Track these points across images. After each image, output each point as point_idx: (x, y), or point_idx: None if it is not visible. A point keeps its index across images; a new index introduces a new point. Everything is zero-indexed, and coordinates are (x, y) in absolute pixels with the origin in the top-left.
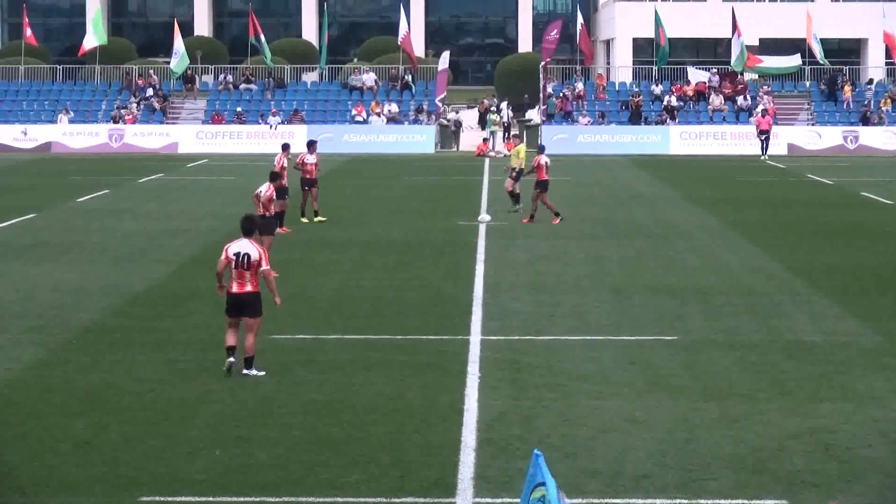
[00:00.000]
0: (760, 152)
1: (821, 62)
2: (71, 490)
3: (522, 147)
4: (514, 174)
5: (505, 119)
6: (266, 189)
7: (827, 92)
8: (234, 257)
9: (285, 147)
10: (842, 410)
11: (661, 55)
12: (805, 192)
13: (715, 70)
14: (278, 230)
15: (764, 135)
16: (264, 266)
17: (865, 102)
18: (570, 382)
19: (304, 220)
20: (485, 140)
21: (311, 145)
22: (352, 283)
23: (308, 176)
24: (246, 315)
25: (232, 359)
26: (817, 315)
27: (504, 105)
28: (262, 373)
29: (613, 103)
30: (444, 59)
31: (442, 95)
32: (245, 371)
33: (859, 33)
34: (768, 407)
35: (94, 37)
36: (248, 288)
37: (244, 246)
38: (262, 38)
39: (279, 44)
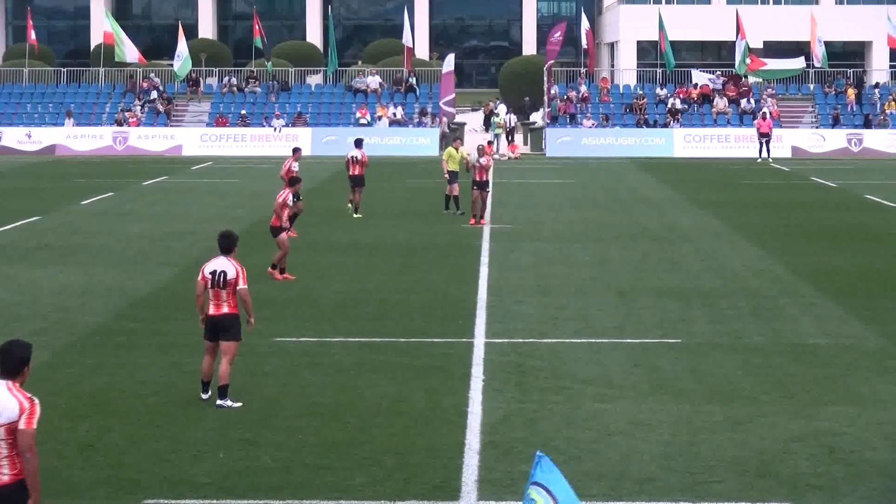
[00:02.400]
0: (758, 155)
1: (821, 66)
2: (75, 492)
3: (452, 150)
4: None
5: (509, 124)
6: (280, 194)
7: (855, 94)
8: (210, 276)
9: (295, 150)
10: (846, 413)
11: (667, 59)
12: (809, 195)
13: (720, 73)
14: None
15: (764, 138)
16: (241, 285)
17: (835, 107)
18: (574, 385)
19: (356, 214)
20: (489, 143)
21: (359, 143)
22: (356, 286)
23: (357, 174)
24: (223, 339)
25: (206, 395)
26: (821, 318)
27: (501, 108)
28: (239, 404)
29: (617, 106)
30: (449, 62)
31: (449, 98)
32: (219, 402)
33: (863, 36)
34: (772, 410)
35: (127, 45)
36: (225, 309)
37: (221, 264)
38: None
39: (283, 46)
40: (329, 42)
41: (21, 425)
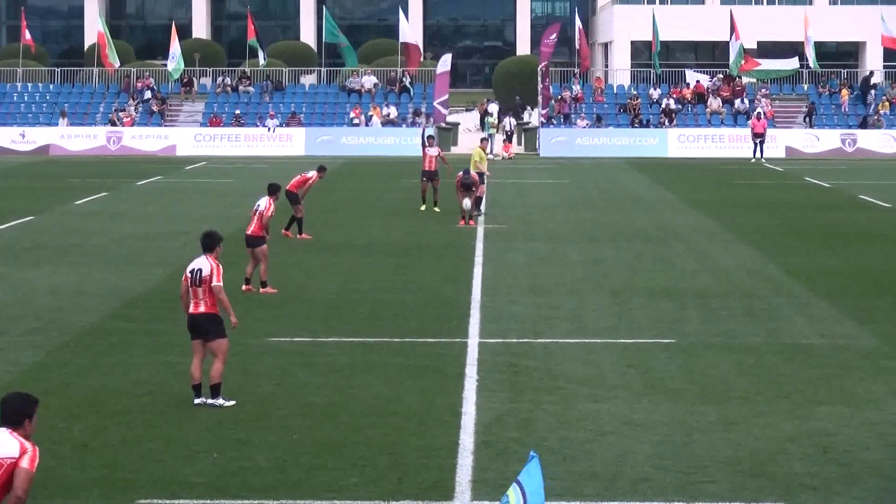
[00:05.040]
0: (752, 155)
1: (811, 67)
2: (69, 492)
3: (481, 151)
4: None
5: (509, 127)
6: (266, 205)
7: (859, 95)
8: (190, 275)
9: (322, 169)
10: (840, 413)
11: (654, 60)
12: (803, 195)
13: (721, 75)
14: (301, 236)
15: (759, 138)
16: (215, 281)
17: (810, 104)
18: (568, 385)
19: (436, 209)
20: (483, 139)
21: (430, 139)
22: (350, 286)
23: (428, 168)
24: (205, 340)
25: (199, 400)
26: (815, 318)
27: (494, 108)
28: (232, 402)
29: (611, 106)
30: (446, 62)
31: (443, 98)
32: (211, 401)
33: (857, 36)
34: (766, 410)
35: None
36: (202, 308)
37: (199, 262)
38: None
39: (277, 46)
40: (329, 38)
41: (24, 463)
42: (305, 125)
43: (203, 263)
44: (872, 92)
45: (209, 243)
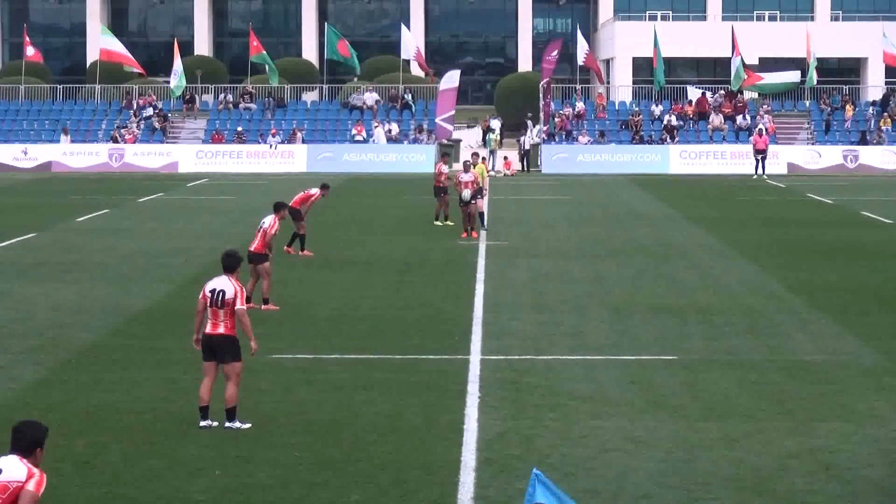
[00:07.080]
0: (754, 171)
1: (807, 83)
2: None
3: (482, 167)
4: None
5: (524, 147)
6: (271, 223)
7: (880, 111)
8: (210, 294)
9: (325, 186)
10: (842, 430)
11: (657, 77)
12: (805, 212)
13: (722, 91)
14: (302, 253)
15: (760, 154)
16: (239, 305)
17: (828, 114)
18: (570, 402)
19: (438, 223)
20: (483, 159)
21: (445, 157)
22: (352, 303)
23: (440, 185)
24: (221, 361)
25: (205, 422)
26: (817, 334)
27: (496, 124)
28: (248, 425)
29: (613, 122)
30: (452, 78)
31: (449, 114)
32: (227, 424)
33: (859, 52)
34: (769, 426)
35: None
36: (221, 329)
37: (221, 282)
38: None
39: (279, 63)
40: (331, 54)
41: (30, 487)
42: (307, 142)
43: (226, 285)
44: (871, 108)
45: (231, 264)
